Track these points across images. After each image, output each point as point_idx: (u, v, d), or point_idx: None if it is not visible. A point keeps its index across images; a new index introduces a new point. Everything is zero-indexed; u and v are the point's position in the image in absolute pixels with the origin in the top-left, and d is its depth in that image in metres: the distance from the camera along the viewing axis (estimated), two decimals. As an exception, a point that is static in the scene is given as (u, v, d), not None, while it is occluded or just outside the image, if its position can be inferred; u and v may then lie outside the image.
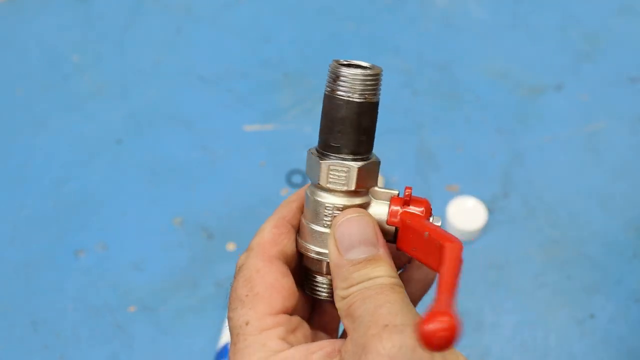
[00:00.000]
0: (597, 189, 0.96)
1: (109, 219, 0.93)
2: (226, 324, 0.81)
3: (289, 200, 0.41)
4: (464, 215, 0.89)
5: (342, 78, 0.36)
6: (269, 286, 0.37)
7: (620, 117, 1.05)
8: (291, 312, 0.38)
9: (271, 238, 0.39)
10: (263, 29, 1.18)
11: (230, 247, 0.90)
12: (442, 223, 0.90)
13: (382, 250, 0.37)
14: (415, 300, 0.43)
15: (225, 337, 0.79)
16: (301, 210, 0.40)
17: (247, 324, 0.37)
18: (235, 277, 0.39)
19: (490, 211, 0.91)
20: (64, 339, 0.82)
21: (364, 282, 0.35)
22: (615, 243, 0.90)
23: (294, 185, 0.95)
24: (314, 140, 0.39)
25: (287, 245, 0.39)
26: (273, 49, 1.15)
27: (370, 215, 0.38)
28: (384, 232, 0.38)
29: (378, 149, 0.40)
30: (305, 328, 0.39)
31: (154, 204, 0.95)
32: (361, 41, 1.16)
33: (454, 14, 1.20)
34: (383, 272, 0.36)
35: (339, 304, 0.36)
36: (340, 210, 0.38)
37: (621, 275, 0.87)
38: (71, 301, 0.85)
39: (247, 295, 0.37)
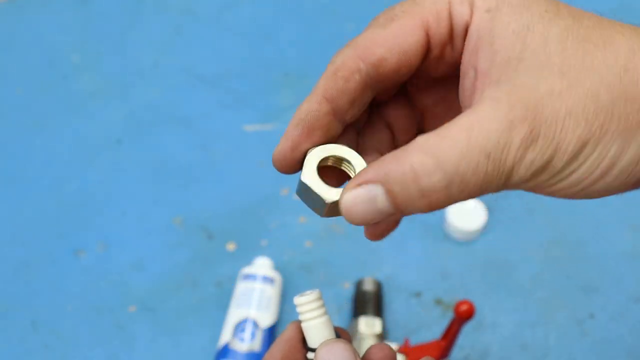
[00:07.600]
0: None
1: (109, 218, 0.93)
2: (226, 322, 0.81)
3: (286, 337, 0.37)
4: (464, 215, 0.89)
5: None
6: None
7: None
8: None
9: None
10: (263, 29, 1.18)
11: (230, 247, 0.90)
12: (443, 223, 0.91)
13: None
14: None
15: (224, 337, 0.79)
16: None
17: None
18: None
19: (490, 211, 0.91)
20: (64, 338, 0.83)
21: None
22: (615, 243, 0.90)
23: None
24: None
25: None
26: (273, 49, 1.15)
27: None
28: None
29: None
30: None
31: (154, 203, 0.95)
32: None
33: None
34: None
35: None
36: None
37: (621, 275, 0.87)
38: (71, 301, 0.86)
39: None
